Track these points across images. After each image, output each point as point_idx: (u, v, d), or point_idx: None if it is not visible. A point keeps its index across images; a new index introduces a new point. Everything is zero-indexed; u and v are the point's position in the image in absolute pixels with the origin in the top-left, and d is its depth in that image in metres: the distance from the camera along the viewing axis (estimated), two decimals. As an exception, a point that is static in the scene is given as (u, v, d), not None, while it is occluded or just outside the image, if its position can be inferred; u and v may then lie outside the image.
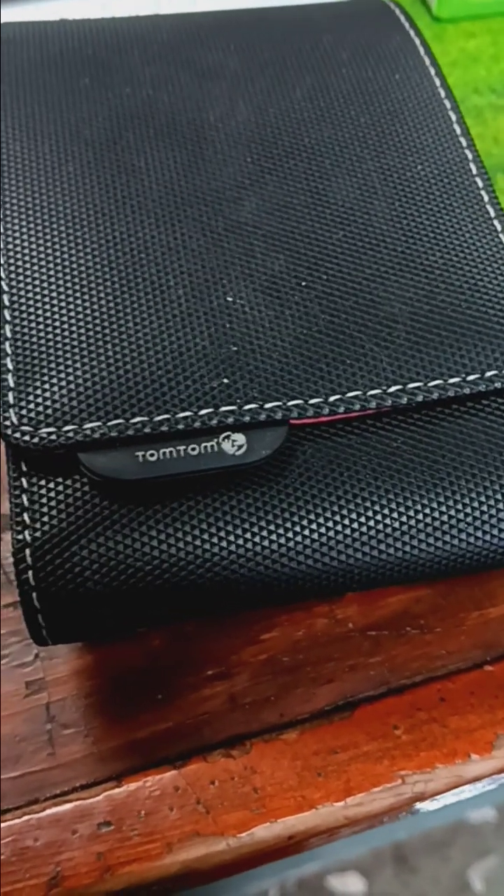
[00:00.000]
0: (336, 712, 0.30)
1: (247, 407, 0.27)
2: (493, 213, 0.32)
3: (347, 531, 0.27)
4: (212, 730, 0.30)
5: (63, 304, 0.29)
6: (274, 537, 0.27)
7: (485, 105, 0.46)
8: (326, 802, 0.29)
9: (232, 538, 0.27)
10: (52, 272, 0.29)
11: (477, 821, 0.94)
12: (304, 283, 0.30)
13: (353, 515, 0.27)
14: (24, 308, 0.29)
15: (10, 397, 0.27)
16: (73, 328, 0.28)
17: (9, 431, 0.27)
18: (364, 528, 0.27)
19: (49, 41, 0.36)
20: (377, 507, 0.28)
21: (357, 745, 0.30)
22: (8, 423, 0.27)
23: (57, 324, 0.28)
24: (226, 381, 0.28)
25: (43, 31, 0.36)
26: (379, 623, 0.32)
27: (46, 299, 0.29)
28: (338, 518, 0.27)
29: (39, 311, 0.29)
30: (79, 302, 0.29)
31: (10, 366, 0.28)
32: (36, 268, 0.30)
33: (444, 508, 0.28)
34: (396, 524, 0.28)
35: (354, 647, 0.32)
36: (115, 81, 0.34)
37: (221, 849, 0.28)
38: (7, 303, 0.29)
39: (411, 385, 0.28)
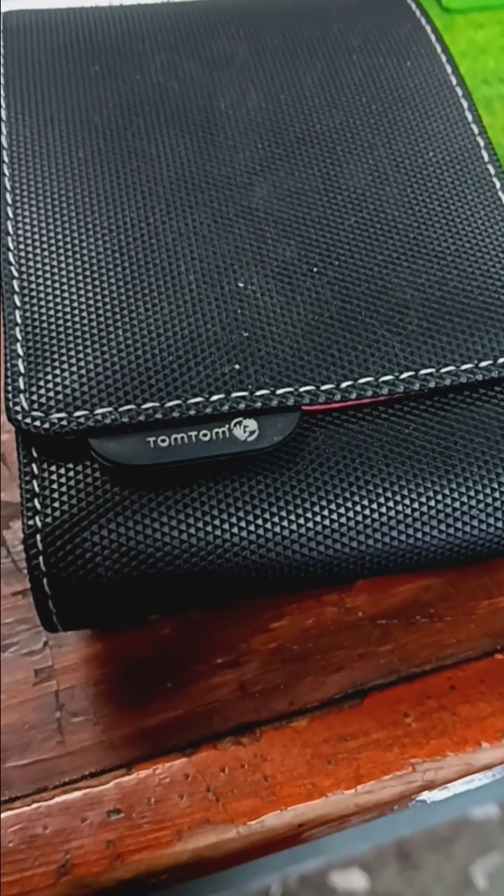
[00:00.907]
0: (346, 700, 0.30)
1: (258, 393, 0.27)
2: (504, 200, 0.32)
3: (359, 518, 0.27)
4: (221, 718, 0.30)
5: (74, 289, 0.29)
6: (285, 524, 0.27)
7: (494, 95, 0.45)
8: (337, 790, 0.29)
9: (243, 524, 0.27)
10: (62, 258, 0.29)
11: (480, 817, 0.94)
12: (315, 269, 0.30)
13: (365, 502, 0.27)
14: (34, 294, 0.29)
15: (21, 383, 0.27)
16: (84, 314, 0.28)
17: (20, 417, 0.26)
18: (376, 515, 0.27)
19: (59, 29, 0.36)
20: (389, 494, 0.27)
21: (367, 732, 0.30)
22: (19, 408, 0.27)
23: (68, 309, 0.28)
24: (237, 366, 0.27)
25: (52, 19, 0.36)
26: (389, 611, 0.32)
27: (57, 285, 0.29)
28: (349, 504, 0.27)
29: (50, 297, 0.28)
30: (89, 288, 0.29)
31: (20, 351, 0.28)
32: (46, 254, 0.29)
33: (455, 495, 0.28)
34: (408, 511, 0.27)
35: (364, 635, 0.32)
36: (125, 69, 0.34)
37: (232, 836, 0.28)
38: (17, 288, 0.29)
39: (423, 371, 0.28)
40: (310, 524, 0.27)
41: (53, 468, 0.27)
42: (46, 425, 0.26)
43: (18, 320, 0.28)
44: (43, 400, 0.27)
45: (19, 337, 0.28)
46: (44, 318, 0.28)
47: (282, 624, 0.32)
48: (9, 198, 0.31)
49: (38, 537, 0.26)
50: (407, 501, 0.27)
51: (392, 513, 0.27)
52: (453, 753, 0.29)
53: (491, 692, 0.30)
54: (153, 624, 0.32)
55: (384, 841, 0.91)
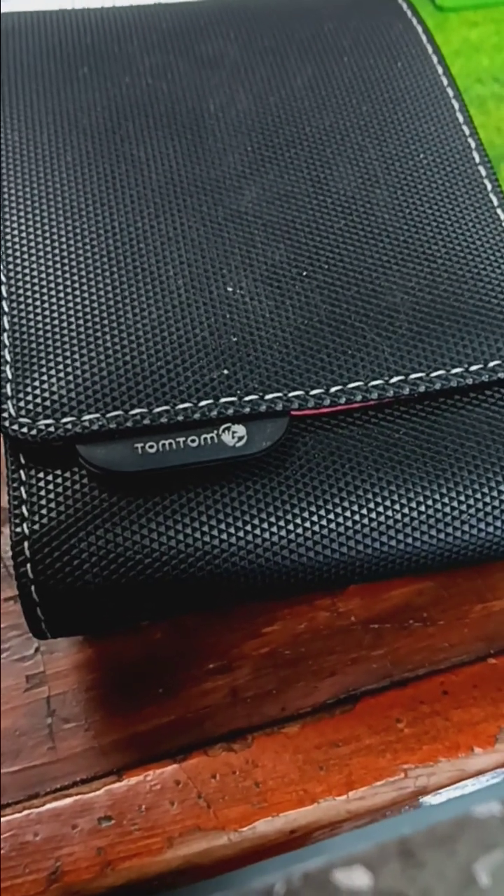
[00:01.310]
0: (338, 705, 0.30)
1: (247, 398, 0.27)
2: (496, 202, 0.32)
3: (349, 523, 0.27)
4: (213, 723, 0.30)
5: (61, 294, 0.28)
6: (275, 529, 0.27)
7: (488, 95, 0.45)
8: (328, 796, 0.29)
9: (232, 530, 0.26)
10: (50, 262, 0.29)
11: (483, 815, 0.94)
12: (304, 273, 0.30)
13: (355, 507, 0.27)
14: (21, 299, 0.28)
15: (8, 389, 0.27)
16: (72, 319, 0.28)
17: (7, 423, 0.26)
18: (366, 520, 0.27)
19: (48, 30, 0.36)
20: (379, 499, 0.27)
21: (359, 738, 0.30)
22: (6, 414, 0.26)
23: (55, 315, 0.28)
24: (226, 371, 0.27)
25: (42, 21, 0.36)
26: (381, 616, 0.32)
27: (44, 290, 0.29)
28: (339, 510, 0.27)
29: (37, 302, 0.28)
30: (77, 292, 0.29)
31: (7, 357, 0.27)
32: (34, 258, 0.29)
33: (446, 500, 0.28)
34: (398, 516, 0.27)
35: (356, 640, 0.31)
36: (114, 71, 0.34)
37: (223, 843, 0.28)
38: (4, 294, 0.29)
39: (413, 375, 0.28)
40: (299, 530, 0.27)
41: (41, 475, 0.27)
42: (34, 432, 0.26)
43: (6, 326, 0.28)
44: (30, 406, 0.27)
45: (6, 343, 0.28)
46: (31, 323, 0.28)
47: (274, 629, 0.32)
48: (-3, 202, 0.31)
49: (26, 544, 0.26)
50: (397, 507, 0.27)
51: (382, 518, 0.27)
52: (446, 759, 0.29)
53: (483, 697, 0.30)
54: (145, 629, 0.31)
55: (387, 839, 0.91)
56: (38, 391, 0.27)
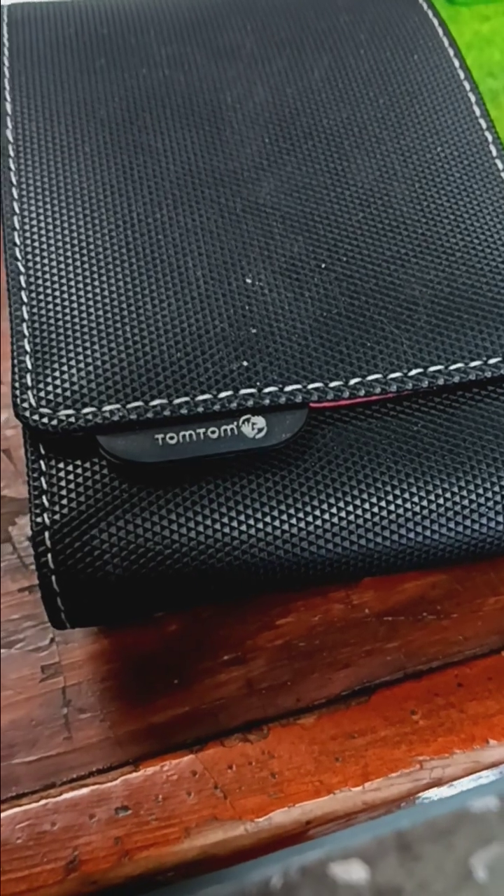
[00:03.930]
0: (353, 697, 0.30)
1: (267, 390, 0.27)
2: (513, 196, 0.32)
3: (367, 515, 0.27)
4: (228, 715, 0.30)
5: (81, 285, 0.28)
6: (294, 521, 0.27)
7: (500, 88, 0.45)
8: (344, 787, 0.29)
9: (251, 522, 0.27)
10: (69, 253, 0.29)
11: (480, 809, 0.94)
12: (323, 266, 0.30)
13: (373, 500, 0.27)
14: (41, 289, 0.28)
15: (29, 379, 0.27)
16: (92, 310, 0.28)
17: (27, 414, 0.26)
18: (384, 513, 0.27)
19: (64, 22, 0.36)
20: (397, 492, 0.27)
21: (374, 730, 0.30)
22: (26, 405, 0.26)
23: (75, 305, 0.28)
24: (245, 363, 0.27)
25: (57, 12, 0.36)
26: (395, 608, 0.32)
27: (64, 280, 0.29)
28: (358, 502, 0.27)
29: (57, 293, 0.28)
30: (97, 283, 0.28)
31: (28, 348, 0.27)
32: (53, 249, 0.29)
33: (464, 493, 0.28)
34: (417, 508, 0.27)
35: (371, 632, 0.32)
36: (131, 62, 0.34)
37: (239, 833, 0.28)
38: (24, 284, 0.29)
39: (432, 368, 0.28)
40: (318, 522, 0.27)
41: (61, 465, 0.27)
42: (54, 422, 0.26)
43: (25, 316, 0.28)
44: (51, 397, 0.27)
45: (26, 333, 0.28)
46: (51, 314, 0.28)
47: (288, 621, 0.32)
48: (15, 193, 0.30)
49: (47, 534, 0.26)
50: (415, 499, 0.27)
51: (400, 510, 0.27)
52: (461, 751, 0.29)
53: (498, 689, 0.30)
54: (160, 620, 0.32)
55: (384, 832, 0.92)
56: (58, 382, 0.27)
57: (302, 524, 0.27)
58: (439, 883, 0.90)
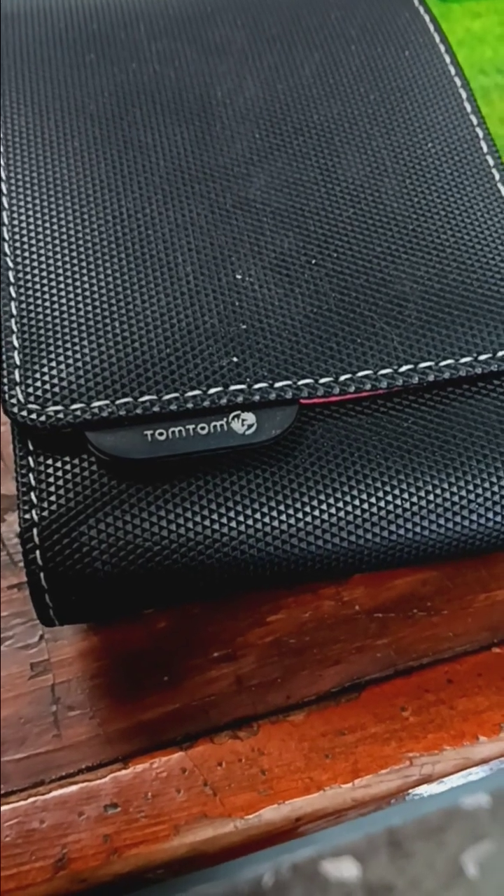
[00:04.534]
0: (343, 694, 0.30)
1: (256, 386, 0.27)
2: (504, 192, 0.32)
3: (357, 512, 0.27)
4: (218, 711, 0.30)
5: (70, 280, 0.28)
6: (283, 518, 0.27)
7: (491, 86, 0.45)
8: (334, 784, 0.29)
9: (241, 518, 0.26)
10: (58, 249, 0.29)
11: (471, 806, 0.94)
12: (313, 261, 0.29)
13: (364, 496, 0.27)
14: (30, 285, 0.28)
15: (17, 375, 0.27)
16: (81, 305, 0.28)
17: (16, 410, 0.26)
18: (374, 509, 0.27)
19: (54, 16, 0.35)
20: (387, 488, 0.27)
21: (364, 726, 0.30)
22: (15, 401, 0.26)
23: (64, 301, 0.28)
24: (235, 359, 0.27)
25: (47, 6, 0.36)
26: (386, 605, 0.32)
27: (53, 276, 0.28)
28: (348, 499, 0.27)
29: (46, 288, 0.28)
30: (86, 279, 0.28)
31: (16, 343, 0.27)
32: (41, 245, 0.29)
33: (454, 489, 0.28)
34: (407, 505, 0.27)
35: (361, 628, 0.32)
36: (120, 57, 0.34)
37: (229, 831, 0.28)
38: (13, 279, 0.28)
39: (422, 364, 0.28)
40: (308, 518, 0.27)
41: (50, 461, 0.27)
42: (43, 418, 0.26)
43: (14, 312, 0.28)
44: (39, 393, 0.26)
45: (15, 329, 0.28)
46: (39, 310, 0.28)
47: (278, 617, 0.32)
48: (3, 187, 0.30)
49: (35, 531, 0.26)
50: (406, 495, 0.27)
51: (391, 507, 0.27)
52: (451, 747, 0.29)
53: (488, 686, 0.30)
54: (149, 617, 0.31)
55: (376, 830, 0.92)
56: (47, 378, 0.27)
57: (292, 521, 0.27)
58: (430, 880, 0.90)
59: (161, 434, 0.26)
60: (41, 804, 0.28)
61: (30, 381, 0.27)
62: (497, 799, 0.94)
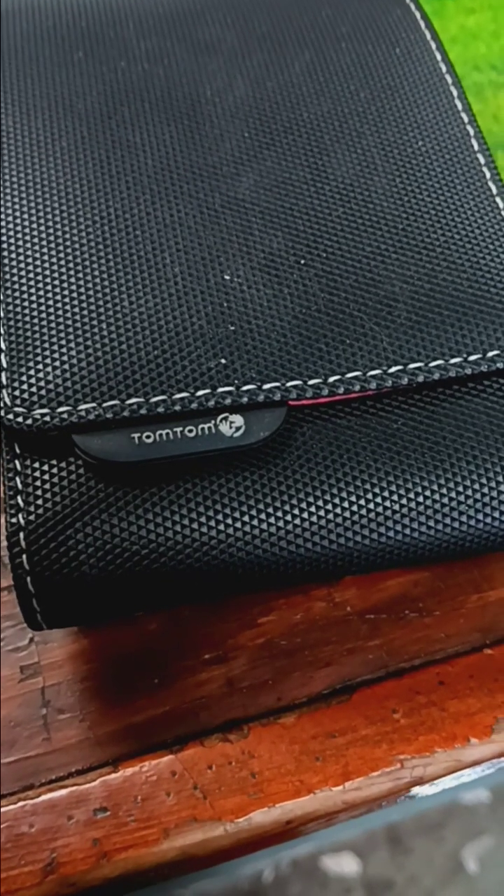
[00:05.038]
0: (334, 696, 0.30)
1: (245, 388, 0.27)
2: (494, 191, 0.31)
3: (347, 514, 0.27)
4: (209, 714, 0.30)
5: (57, 282, 0.28)
6: (272, 520, 0.27)
7: (485, 82, 0.45)
8: (325, 787, 0.28)
9: (230, 521, 0.26)
10: (45, 249, 0.29)
11: (471, 802, 0.94)
12: (302, 262, 0.29)
13: (353, 498, 0.27)
14: (16, 286, 0.28)
15: (3, 378, 0.27)
16: (68, 307, 0.28)
17: (2, 413, 0.26)
18: (364, 511, 0.27)
19: (42, 14, 0.35)
20: (377, 490, 0.27)
21: (355, 729, 0.30)
22: (1, 404, 0.26)
23: (51, 303, 0.28)
24: (223, 361, 0.27)
25: (36, 4, 0.36)
26: (377, 606, 0.32)
27: (40, 278, 0.28)
28: (337, 500, 0.27)
29: (33, 290, 0.28)
30: (73, 280, 0.28)
31: (2, 346, 0.27)
32: (29, 245, 0.29)
33: (444, 490, 0.27)
34: (396, 506, 0.27)
35: (353, 630, 0.31)
36: (109, 55, 0.34)
37: (219, 834, 0.28)
38: None
39: (412, 365, 0.28)
40: (297, 521, 0.27)
41: (37, 465, 0.26)
42: (29, 421, 0.26)
43: (0, 314, 0.28)
44: (26, 396, 0.26)
45: (1, 332, 0.27)
46: (26, 312, 0.28)
47: (269, 619, 0.32)
48: (-9, 188, 0.30)
49: (22, 535, 0.26)
50: (395, 497, 0.27)
51: (380, 509, 0.27)
52: (442, 749, 0.29)
53: (480, 687, 0.30)
54: (140, 619, 0.31)
55: (375, 826, 0.92)
56: (33, 380, 0.26)
57: (281, 523, 0.27)
58: (430, 876, 0.90)
59: (148, 437, 0.26)
60: (30, 808, 0.28)
61: (16, 384, 0.26)
62: (496, 795, 0.94)
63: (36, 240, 0.29)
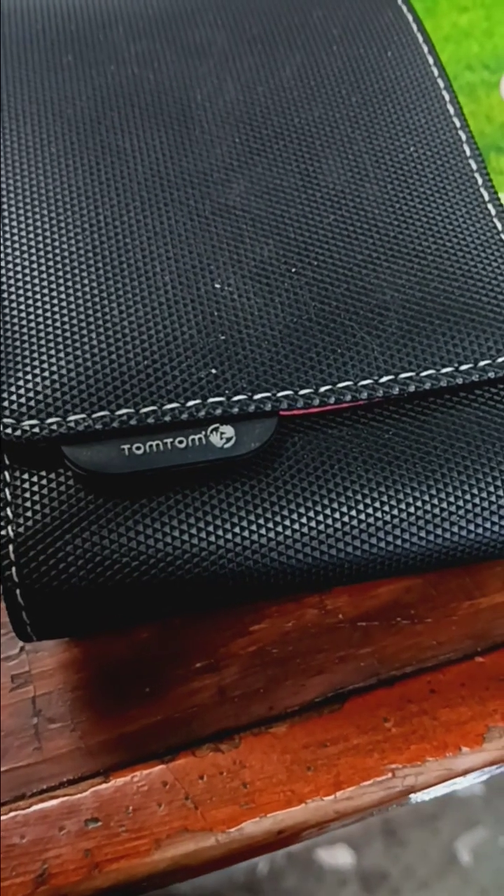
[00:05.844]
0: (326, 704, 0.30)
1: (235, 398, 0.27)
2: (487, 197, 0.31)
3: (338, 524, 0.27)
4: (200, 723, 0.30)
5: (45, 291, 0.28)
6: (263, 531, 0.26)
7: (478, 82, 0.45)
8: (316, 797, 0.28)
9: (220, 532, 0.26)
10: (33, 258, 0.29)
11: (465, 794, 0.95)
12: (293, 270, 0.29)
13: (344, 508, 0.27)
14: (4, 297, 0.28)
15: (-8, 389, 0.26)
16: (56, 317, 0.27)
17: (-9, 424, 0.26)
18: (355, 522, 0.27)
19: (31, 16, 0.35)
20: (368, 500, 0.27)
21: (347, 738, 0.29)
22: (-10, 415, 0.26)
23: (39, 312, 0.28)
24: (214, 371, 0.27)
25: (23, 6, 0.35)
26: (369, 614, 0.32)
27: (28, 286, 0.28)
28: (328, 511, 0.27)
29: (21, 299, 0.28)
30: (61, 289, 0.28)
31: (-9, 356, 0.27)
32: (17, 253, 0.29)
33: (435, 501, 0.27)
34: (388, 517, 0.27)
35: (344, 638, 0.31)
36: (99, 59, 0.33)
37: (210, 844, 0.28)
38: (-12, 290, 0.28)
39: (403, 375, 0.28)
40: (288, 531, 0.27)
41: (26, 476, 0.26)
42: (18, 433, 0.26)
43: (-11, 324, 0.27)
44: (14, 406, 0.26)
45: (-10, 341, 0.27)
46: (14, 321, 0.27)
47: (261, 627, 0.31)
48: (-21, 194, 0.30)
49: (11, 547, 0.26)
50: (387, 507, 0.27)
51: (371, 519, 0.27)
52: (433, 758, 0.29)
53: (471, 696, 0.30)
54: (131, 628, 0.31)
55: (370, 818, 0.92)
56: (22, 391, 0.26)
57: (272, 534, 0.26)
58: (424, 867, 0.91)
59: (138, 448, 0.26)
60: (21, 819, 0.28)
61: (4, 396, 0.26)
62: (490, 786, 0.94)
63: (24, 248, 0.29)
